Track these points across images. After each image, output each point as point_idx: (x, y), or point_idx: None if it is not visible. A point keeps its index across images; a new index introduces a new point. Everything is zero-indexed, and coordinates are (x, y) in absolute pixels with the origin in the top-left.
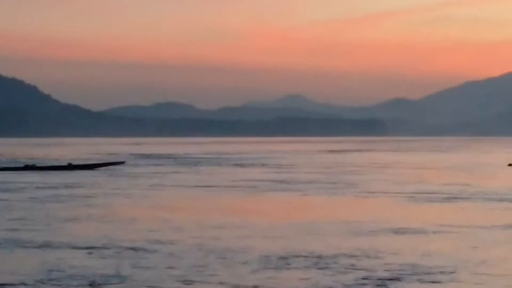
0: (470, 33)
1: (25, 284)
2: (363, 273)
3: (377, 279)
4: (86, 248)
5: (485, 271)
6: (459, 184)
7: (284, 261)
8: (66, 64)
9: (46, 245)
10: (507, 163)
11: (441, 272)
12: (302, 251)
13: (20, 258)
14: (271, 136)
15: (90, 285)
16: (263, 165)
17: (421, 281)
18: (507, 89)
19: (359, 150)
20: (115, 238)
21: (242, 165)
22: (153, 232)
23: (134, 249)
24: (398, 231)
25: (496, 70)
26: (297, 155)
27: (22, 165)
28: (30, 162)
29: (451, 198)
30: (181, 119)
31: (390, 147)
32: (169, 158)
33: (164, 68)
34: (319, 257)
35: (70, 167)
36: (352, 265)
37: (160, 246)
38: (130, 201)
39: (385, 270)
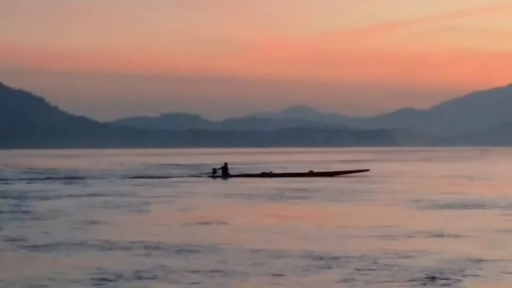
0: (477, 43)
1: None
2: (401, 272)
3: (410, 280)
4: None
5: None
6: (473, 193)
7: (325, 261)
8: (73, 75)
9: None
10: None
11: (467, 272)
12: (341, 253)
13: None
14: (277, 147)
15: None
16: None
17: (454, 278)
18: None
19: (370, 160)
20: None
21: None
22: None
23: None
24: (423, 235)
25: (503, 80)
26: (308, 166)
27: (259, 172)
28: (267, 170)
29: (468, 206)
30: (188, 130)
31: (399, 158)
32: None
33: (170, 79)
34: (357, 257)
35: (311, 174)
36: (390, 265)
37: (206, 248)
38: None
39: (419, 271)
